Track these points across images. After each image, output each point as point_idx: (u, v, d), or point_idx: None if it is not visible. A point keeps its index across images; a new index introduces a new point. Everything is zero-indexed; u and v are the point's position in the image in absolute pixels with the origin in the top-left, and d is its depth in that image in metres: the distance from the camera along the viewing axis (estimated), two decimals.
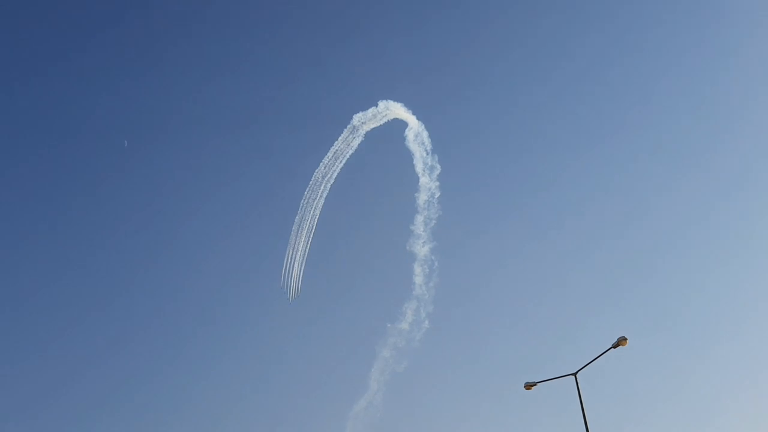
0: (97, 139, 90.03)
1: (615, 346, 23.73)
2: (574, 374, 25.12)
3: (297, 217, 53.15)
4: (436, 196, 56.82)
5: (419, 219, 56.85)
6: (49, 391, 76.93)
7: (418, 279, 59.59)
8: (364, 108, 53.77)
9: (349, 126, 53.52)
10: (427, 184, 56.23)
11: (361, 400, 61.80)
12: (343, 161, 53.68)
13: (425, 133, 54.98)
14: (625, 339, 23.54)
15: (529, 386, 26.29)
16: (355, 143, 53.75)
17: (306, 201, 52.82)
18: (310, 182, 53.01)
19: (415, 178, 56.74)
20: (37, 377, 76.70)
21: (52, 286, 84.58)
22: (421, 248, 58.06)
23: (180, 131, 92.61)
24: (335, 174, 53.54)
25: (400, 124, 55.33)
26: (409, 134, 54.66)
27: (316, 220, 53.32)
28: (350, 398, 73.46)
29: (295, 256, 52.76)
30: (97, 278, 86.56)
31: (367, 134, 53.55)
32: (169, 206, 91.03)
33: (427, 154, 55.57)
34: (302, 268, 53.07)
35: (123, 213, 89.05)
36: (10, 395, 73.77)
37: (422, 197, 56.69)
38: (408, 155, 56.22)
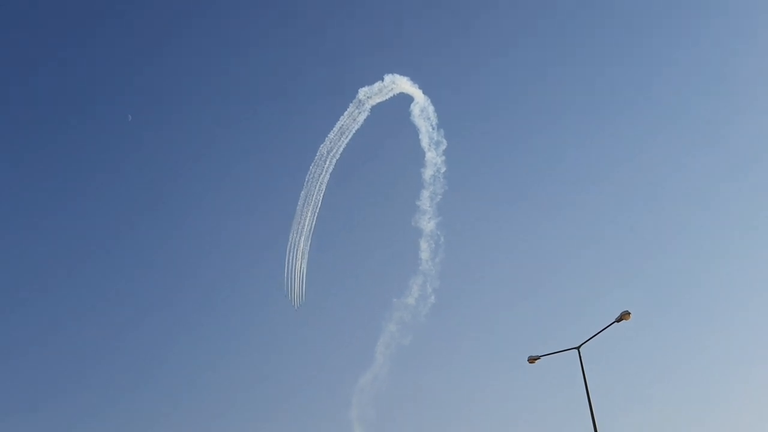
0: (101, 114, 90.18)
1: (618, 320, 23.84)
2: (578, 348, 25.28)
3: (302, 193, 53.18)
4: (442, 171, 56.64)
5: (425, 194, 56.79)
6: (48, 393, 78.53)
7: (425, 254, 59.70)
8: (370, 82, 53.37)
9: (354, 100, 53.22)
10: (433, 159, 56.03)
11: (367, 374, 62.42)
12: (349, 136, 53.48)
13: (431, 108, 54.63)
14: (629, 313, 23.62)
15: (532, 360, 26.50)
16: (361, 118, 53.47)
17: (311, 176, 52.78)
18: (315, 157, 52.90)
19: (421, 153, 56.53)
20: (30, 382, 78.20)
21: (51, 278, 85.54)
22: (427, 224, 58.07)
23: (183, 106, 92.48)
24: (341, 149, 53.39)
25: (406, 99, 54.94)
26: (415, 109, 54.34)
27: (321, 195, 53.35)
28: (356, 372, 74.17)
29: (302, 231, 52.92)
30: (100, 260, 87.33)
31: (373, 109, 53.28)
32: (172, 181, 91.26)
33: (433, 129, 55.27)
34: (309, 243, 53.27)
35: (126, 188, 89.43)
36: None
37: (428, 172, 56.53)
38: (414, 130, 56.00)
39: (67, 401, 75.51)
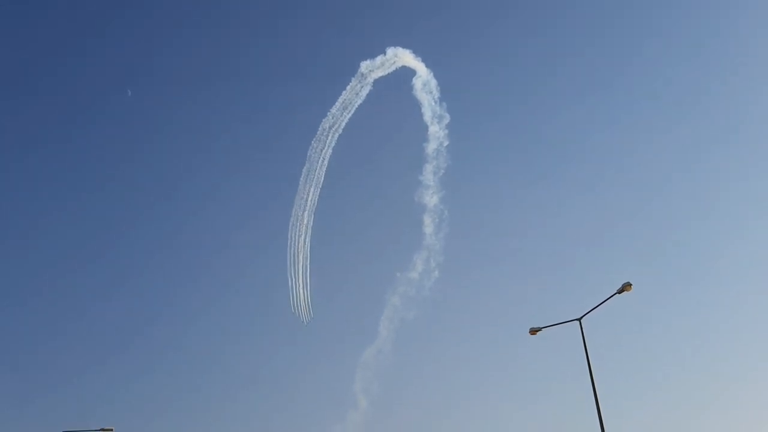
0: (101, 89, 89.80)
1: (620, 291, 23.93)
2: (579, 319, 25.48)
3: (304, 168, 53.18)
4: (445, 145, 56.57)
5: (428, 168, 56.77)
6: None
7: (428, 229, 59.90)
8: (372, 56, 53.04)
9: (357, 74, 52.93)
10: (436, 132, 55.90)
11: (371, 347, 63.03)
12: (352, 111, 53.30)
13: (434, 82, 54.35)
14: (630, 285, 23.72)
15: (534, 331, 26.73)
16: (364, 92, 53.21)
17: (313, 151, 52.73)
18: (318, 132, 52.80)
19: (424, 127, 56.40)
20: None
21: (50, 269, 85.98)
22: (431, 198, 58.15)
23: (184, 80, 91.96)
24: (343, 124, 53.25)
25: (408, 72, 54.66)
26: (417, 83, 54.08)
27: (324, 170, 53.37)
28: (361, 345, 74.90)
29: (305, 206, 53.06)
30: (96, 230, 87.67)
31: (376, 82, 53.03)
32: (173, 155, 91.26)
33: (436, 102, 55.06)
34: (312, 218, 53.45)
35: (126, 162, 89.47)
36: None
37: (431, 146, 56.46)
38: (416, 104, 55.78)
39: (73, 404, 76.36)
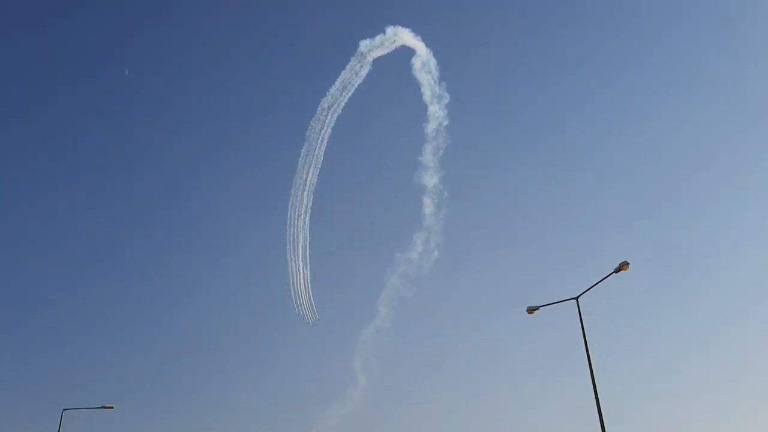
0: (98, 68, 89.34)
1: (617, 270, 23.91)
2: (576, 298, 25.54)
3: (303, 149, 53.03)
4: (444, 125, 56.37)
5: (428, 149, 56.63)
6: None
7: (428, 210, 59.93)
8: (372, 35, 52.62)
9: (356, 54, 52.54)
10: (435, 112, 55.67)
11: (370, 326, 63.44)
12: (351, 91, 53.01)
13: (433, 61, 53.99)
14: (627, 264, 23.68)
15: (531, 310, 26.80)
16: (363, 72, 52.88)
17: (312, 131, 52.52)
18: (317, 112, 52.56)
19: (424, 107, 56.16)
20: None
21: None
22: (430, 179, 58.09)
23: (181, 60, 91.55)
24: (342, 104, 52.99)
25: (408, 52, 54.28)
26: (416, 62, 53.70)
27: (323, 151, 53.21)
28: (360, 324, 75.41)
29: (304, 186, 53.00)
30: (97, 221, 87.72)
31: (375, 62, 52.67)
32: (169, 136, 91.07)
33: (435, 82, 54.75)
34: (311, 198, 53.41)
35: (124, 143, 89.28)
36: None
37: (430, 126, 56.26)
38: (416, 83, 55.47)
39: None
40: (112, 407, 34.26)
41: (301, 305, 53.73)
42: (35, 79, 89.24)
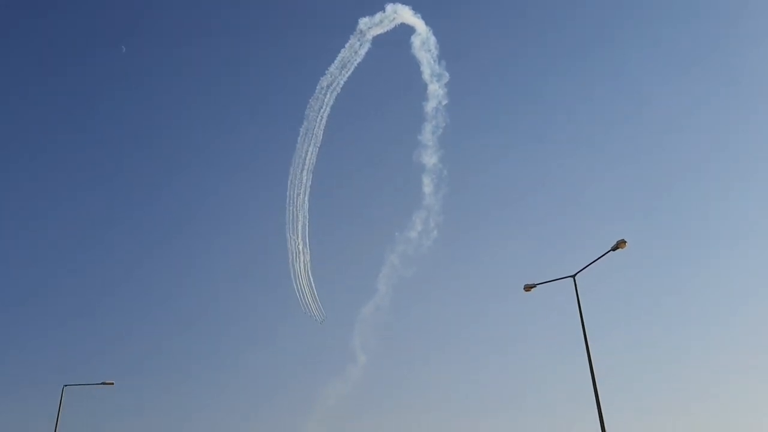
0: (95, 45, 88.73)
1: (614, 248, 23.88)
2: (573, 276, 25.58)
3: (302, 128, 52.81)
4: (444, 104, 56.10)
5: (427, 128, 56.42)
6: None
7: (428, 189, 59.89)
8: (371, 12, 52.14)
9: (355, 32, 52.11)
10: (435, 91, 55.38)
11: (369, 304, 63.78)
12: (351, 70, 52.66)
13: (433, 39, 53.57)
14: (624, 242, 23.64)
15: (528, 288, 26.86)
16: (362, 51, 52.49)
17: (311, 110, 52.27)
18: (316, 91, 52.27)
19: (423, 86, 55.83)
20: None
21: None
22: (430, 158, 57.96)
23: (179, 37, 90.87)
24: (342, 83, 52.67)
25: (407, 30, 53.83)
26: (416, 41, 53.29)
27: (322, 129, 52.99)
28: (359, 302, 75.80)
29: (303, 165, 52.88)
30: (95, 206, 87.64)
31: (374, 40, 52.27)
32: (168, 114, 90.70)
33: (435, 61, 54.37)
34: (310, 178, 53.33)
35: (121, 120, 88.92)
36: None
37: (430, 105, 55.99)
38: (416, 62, 55.09)
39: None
40: (113, 383, 34.49)
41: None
42: (34, 58, 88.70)
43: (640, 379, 74.39)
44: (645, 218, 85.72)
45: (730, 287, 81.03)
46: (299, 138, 52.70)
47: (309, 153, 52.77)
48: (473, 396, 75.65)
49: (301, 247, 54.21)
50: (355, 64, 52.54)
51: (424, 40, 53.29)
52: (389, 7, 51.87)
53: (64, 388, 33.95)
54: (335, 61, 52.35)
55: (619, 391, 69.67)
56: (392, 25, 52.64)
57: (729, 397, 70.34)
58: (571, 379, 75.09)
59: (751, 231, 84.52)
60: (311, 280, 54.91)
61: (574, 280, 25.43)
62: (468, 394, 76.00)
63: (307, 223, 53.77)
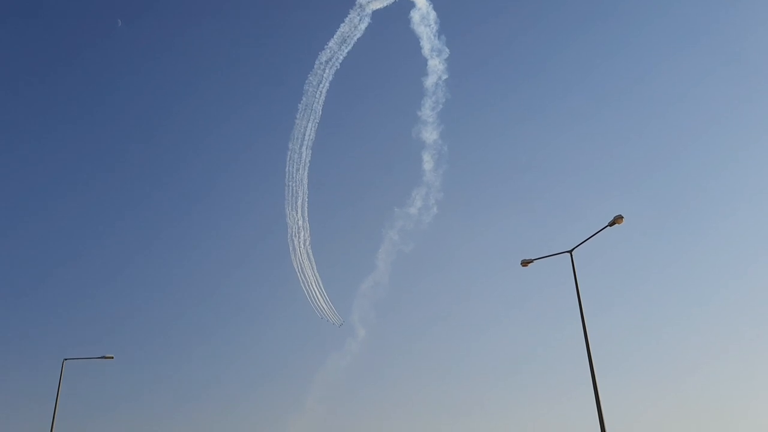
0: (91, 19, 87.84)
1: (611, 224, 23.88)
2: (570, 251, 25.63)
3: (301, 103, 52.53)
4: (444, 79, 55.77)
5: (427, 103, 56.15)
6: None
7: (428, 166, 59.81)
8: None
9: (355, 6, 51.60)
10: (435, 66, 55.01)
11: (368, 279, 64.12)
12: (350, 45, 52.23)
13: (433, 14, 53.07)
14: (621, 217, 23.64)
15: (525, 263, 26.88)
16: (362, 26, 52.02)
17: (309, 86, 51.96)
18: (314, 66, 51.90)
19: (423, 61, 55.45)
20: None
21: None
22: (430, 135, 57.77)
23: (177, 12, 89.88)
24: (341, 58, 52.26)
25: (407, 4, 53.30)
26: (415, 16, 52.80)
27: (321, 104, 52.73)
28: (358, 277, 76.09)
29: (302, 140, 52.72)
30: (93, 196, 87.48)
31: (374, 14, 51.77)
32: (164, 88, 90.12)
33: (435, 36, 53.92)
34: (309, 153, 53.19)
35: (118, 96, 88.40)
36: None
37: (430, 80, 55.66)
38: (416, 37, 54.62)
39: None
40: (112, 357, 34.68)
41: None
42: (24, 28, 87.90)
43: (635, 352, 75.09)
44: (642, 194, 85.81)
45: (725, 261, 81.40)
46: (298, 114, 52.50)
47: (308, 129, 52.61)
48: (471, 369, 76.44)
49: (300, 223, 54.30)
50: (355, 39, 52.10)
51: (423, 14, 52.80)
52: None
53: (65, 361, 34.25)
54: (335, 36, 51.91)
55: (614, 364, 70.36)
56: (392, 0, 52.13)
57: (723, 370, 71.04)
58: (568, 351, 75.85)
59: (746, 205, 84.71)
60: (311, 255, 55.08)
61: (571, 256, 25.49)
62: (465, 367, 76.78)
63: (307, 199, 53.81)
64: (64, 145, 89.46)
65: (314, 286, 55.90)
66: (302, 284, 55.73)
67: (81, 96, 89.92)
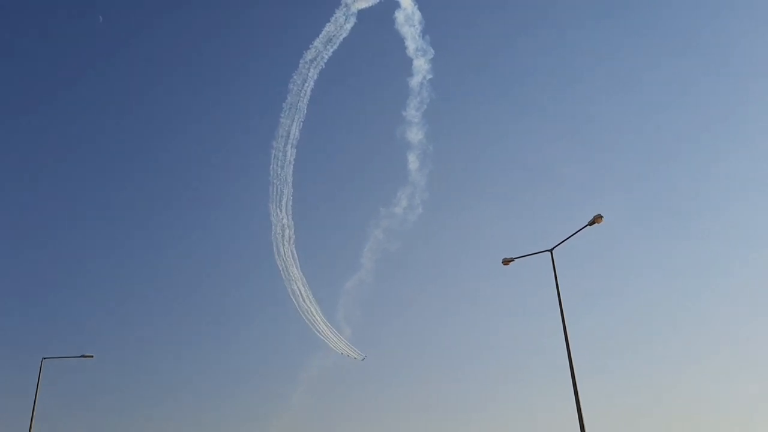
0: (71, 15, 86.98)
1: (590, 223, 24.07)
2: (550, 250, 25.78)
3: (286, 102, 52.41)
4: (428, 79, 55.90)
5: (412, 103, 56.24)
6: None
7: (413, 166, 59.93)
8: None
9: (341, 6, 51.56)
10: (420, 66, 55.12)
11: (353, 277, 64.17)
12: (336, 44, 52.18)
13: (418, 15, 53.16)
14: (601, 217, 23.83)
15: (506, 261, 26.98)
16: (348, 25, 51.99)
17: (294, 84, 51.86)
18: (299, 65, 51.82)
19: (408, 62, 55.55)
20: None
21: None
22: (415, 135, 57.88)
23: (159, 9, 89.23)
24: (326, 57, 52.20)
25: (392, 4, 53.34)
26: (400, 16, 52.86)
27: (306, 103, 52.63)
28: (343, 275, 76.06)
29: (287, 139, 52.60)
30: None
31: (360, 14, 51.76)
32: (147, 86, 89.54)
33: (419, 36, 54.02)
34: (294, 152, 53.09)
35: (97, 93, 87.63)
36: None
37: (414, 80, 55.77)
38: (400, 38, 54.70)
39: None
40: (92, 356, 34.37)
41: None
42: (8, 26, 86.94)
43: (614, 351, 75.70)
44: (627, 194, 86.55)
45: (709, 260, 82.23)
46: (282, 112, 52.39)
47: (293, 128, 52.51)
48: (455, 367, 76.74)
49: (285, 222, 54.18)
50: (341, 39, 52.07)
51: (408, 15, 52.88)
52: None
53: (43, 360, 33.88)
54: (320, 36, 51.85)
55: (594, 363, 70.86)
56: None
57: (707, 369, 71.77)
58: (548, 349, 76.45)
59: (728, 205, 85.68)
60: (294, 254, 54.95)
61: (551, 254, 25.65)
62: (449, 365, 77.08)
63: (291, 198, 53.69)
64: (40, 139, 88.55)
65: (298, 285, 55.76)
66: (286, 282, 55.59)
67: (60, 91, 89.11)
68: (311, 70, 51.69)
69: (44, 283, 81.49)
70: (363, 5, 51.85)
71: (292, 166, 52.81)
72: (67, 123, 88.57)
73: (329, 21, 51.65)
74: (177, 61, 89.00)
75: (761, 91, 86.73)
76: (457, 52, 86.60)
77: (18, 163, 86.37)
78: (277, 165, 52.68)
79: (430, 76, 55.51)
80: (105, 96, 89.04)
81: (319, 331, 57.86)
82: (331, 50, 51.95)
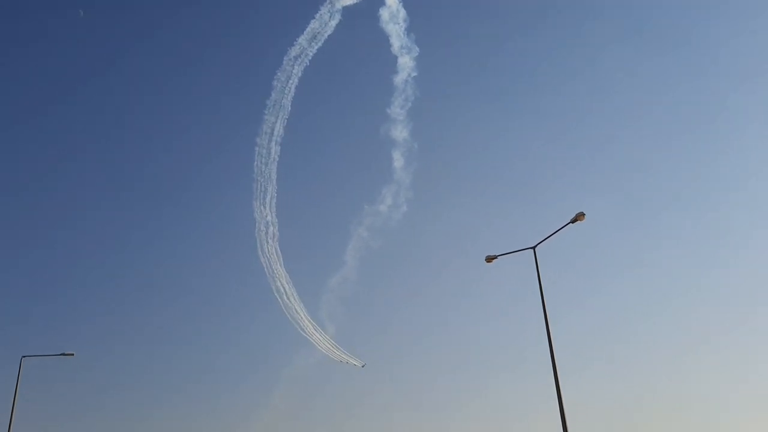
0: (51, 9, 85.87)
1: (573, 221, 24.24)
2: (533, 248, 25.90)
3: (270, 100, 52.16)
4: (413, 76, 55.92)
5: (396, 100, 56.23)
6: None
7: (398, 164, 59.93)
8: None
9: (326, 2, 51.39)
10: (404, 63, 55.12)
11: (337, 275, 64.06)
12: (320, 42, 52.01)
13: (402, 12, 53.14)
14: (583, 214, 23.98)
15: (489, 259, 27.09)
16: (333, 22, 51.85)
17: (278, 81, 51.62)
18: (283, 62, 51.60)
19: (393, 59, 55.53)
20: None
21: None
22: (400, 133, 57.88)
23: (140, 5, 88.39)
24: (311, 54, 52.03)
25: (377, 2, 53.28)
26: (385, 14, 52.81)
27: (290, 100, 52.43)
28: (326, 273, 75.91)
29: (271, 136, 52.37)
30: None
31: (343, 10, 51.62)
32: (129, 84, 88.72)
33: (404, 34, 54.00)
34: (278, 150, 52.85)
35: (78, 90, 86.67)
36: None
37: (399, 78, 55.76)
38: (385, 35, 54.64)
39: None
40: (73, 354, 33.99)
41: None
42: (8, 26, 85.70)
43: (597, 348, 76.38)
44: (611, 192, 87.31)
45: (688, 259, 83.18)
46: (266, 109, 52.13)
47: (277, 125, 52.28)
48: (438, 365, 76.98)
49: (269, 219, 53.94)
50: (326, 36, 51.92)
51: (393, 12, 52.85)
52: None
53: (23, 359, 33.45)
54: (305, 33, 51.66)
55: (577, 360, 71.44)
56: None
57: (691, 367, 72.57)
58: (531, 346, 77.02)
59: (710, 204, 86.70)
60: (278, 251, 54.75)
61: (534, 252, 25.78)
62: (432, 363, 77.32)
63: (275, 195, 53.49)
64: (23, 140, 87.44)
65: (282, 282, 55.57)
66: (270, 280, 55.36)
67: (42, 91, 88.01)
68: (296, 67, 51.51)
69: (24, 281, 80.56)
70: (348, 2, 51.74)
71: (276, 164, 52.63)
72: (51, 122, 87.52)
73: (314, 18, 51.50)
74: (159, 58, 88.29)
75: (746, 92, 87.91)
76: (442, 50, 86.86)
77: (5, 161, 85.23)
78: (261, 162, 52.47)
79: (414, 74, 55.59)
80: (87, 93, 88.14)
81: (303, 329, 57.74)
82: (316, 47, 51.82)
